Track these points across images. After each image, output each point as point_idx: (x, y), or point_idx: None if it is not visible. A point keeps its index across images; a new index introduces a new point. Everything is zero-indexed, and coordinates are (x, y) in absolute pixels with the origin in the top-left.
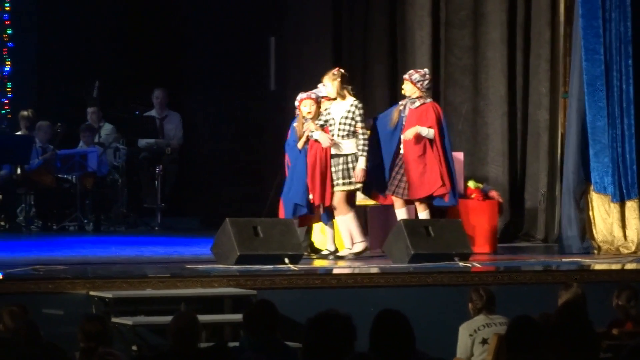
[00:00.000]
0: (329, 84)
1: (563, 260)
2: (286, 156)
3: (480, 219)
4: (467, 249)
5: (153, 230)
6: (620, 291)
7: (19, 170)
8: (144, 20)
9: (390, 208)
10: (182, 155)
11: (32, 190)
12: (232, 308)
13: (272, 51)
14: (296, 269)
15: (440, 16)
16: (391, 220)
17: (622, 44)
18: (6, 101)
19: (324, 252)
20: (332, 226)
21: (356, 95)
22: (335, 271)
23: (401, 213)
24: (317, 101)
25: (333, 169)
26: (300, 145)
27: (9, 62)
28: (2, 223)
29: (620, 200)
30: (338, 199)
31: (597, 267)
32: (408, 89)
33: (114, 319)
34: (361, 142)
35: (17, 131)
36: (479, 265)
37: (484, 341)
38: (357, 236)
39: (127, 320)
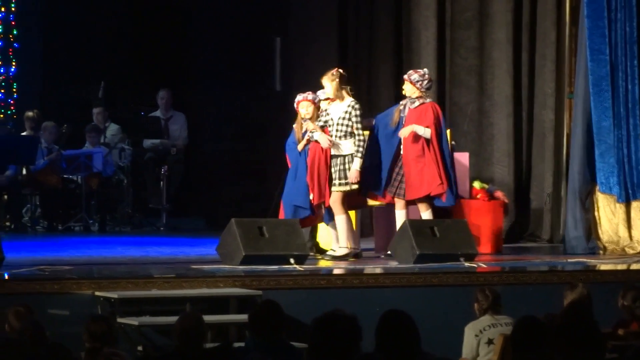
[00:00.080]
0: (328, 85)
1: (568, 260)
2: (286, 156)
3: (485, 219)
4: (473, 249)
5: (158, 231)
6: (625, 291)
7: (24, 171)
8: (149, 21)
9: None
10: (187, 156)
11: (37, 191)
12: (237, 308)
13: (278, 51)
14: (302, 269)
15: (445, 16)
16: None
17: (628, 44)
18: (12, 102)
19: (330, 253)
20: (334, 226)
21: (359, 95)
22: (341, 271)
23: (400, 215)
24: (314, 102)
25: (332, 169)
26: (300, 147)
27: (15, 63)
28: (8, 223)
29: (626, 200)
30: (334, 199)
31: (603, 267)
32: (408, 89)
33: (119, 319)
34: (357, 143)
35: (23, 132)
36: (484, 266)
37: (490, 341)
38: (343, 241)
39: (133, 321)
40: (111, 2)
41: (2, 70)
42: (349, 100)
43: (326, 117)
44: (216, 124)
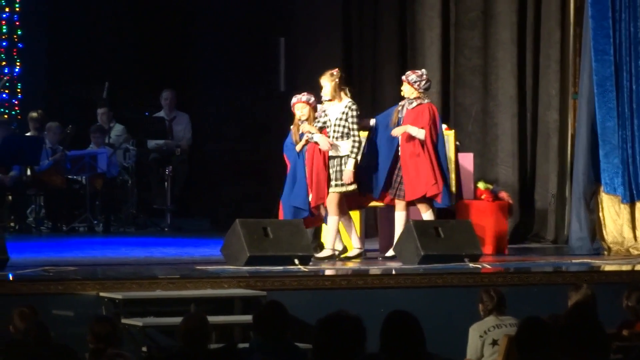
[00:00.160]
0: (327, 84)
1: (573, 261)
2: (285, 157)
3: (490, 220)
4: (477, 250)
5: (163, 231)
6: (630, 292)
7: (28, 172)
8: (153, 21)
9: None
10: (191, 157)
11: (42, 191)
12: (242, 309)
13: (282, 52)
14: (306, 270)
15: (450, 17)
16: None
17: (632, 44)
18: (16, 102)
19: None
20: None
21: (363, 95)
22: (345, 272)
23: (400, 216)
24: (309, 103)
25: (330, 170)
26: (298, 148)
27: (19, 63)
28: (12, 224)
29: (631, 201)
30: (329, 200)
31: (607, 268)
32: (406, 90)
33: (123, 320)
34: (352, 144)
35: (27, 132)
36: (488, 267)
37: (494, 342)
38: (330, 242)
39: (137, 322)
40: (115, 3)
41: (6, 71)
42: (346, 101)
43: (324, 118)
44: (220, 124)
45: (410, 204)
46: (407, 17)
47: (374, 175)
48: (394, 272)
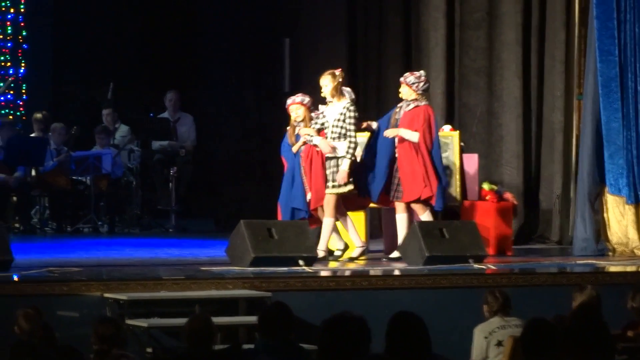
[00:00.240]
0: (329, 84)
1: (578, 262)
2: (282, 159)
3: (494, 220)
4: (482, 250)
5: (167, 232)
6: (635, 293)
7: (33, 172)
8: (158, 22)
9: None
10: (195, 157)
11: (46, 192)
12: (246, 310)
13: (287, 52)
14: (311, 270)
15: (454, 17)
16: None
17: (637, 45)
18: (21, 103)
19: (337, 253)
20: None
21: (368, 96)
22: (350, 273)
23: (401, 218)
24: (303, 104)
25: (327, 171)
26: (295, 149)
27: (24, 64)
28: (17, 225)
29: (635, 202)
30: (325, 201)
31: (612, 269)
32: (404, 91)
33: (128, 321)
34: (348, 144)
35: (32, 133)
36: (493, 267)
37: (499, 343)
38: (323, 244)
39: (142, 323)
40: (120, 4)
41: (11, 72)
42: (344, 101)
43: (323, 119)
44: (224, 125)
45: (408, 206)
46: (412, 17)
47: (373, 178)
48: (398, 273)
